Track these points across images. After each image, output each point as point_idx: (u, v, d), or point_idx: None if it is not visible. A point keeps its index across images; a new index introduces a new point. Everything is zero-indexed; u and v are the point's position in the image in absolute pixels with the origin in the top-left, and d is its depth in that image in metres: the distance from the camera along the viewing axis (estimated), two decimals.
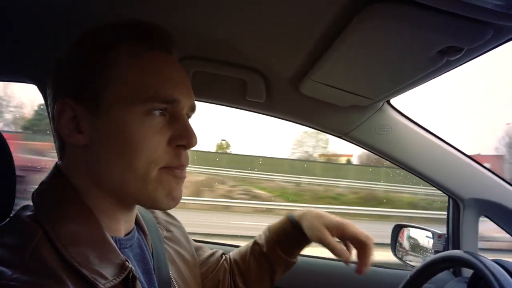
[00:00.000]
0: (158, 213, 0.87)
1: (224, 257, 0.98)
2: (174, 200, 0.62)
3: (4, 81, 1.28)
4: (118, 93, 0.58)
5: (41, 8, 0.89)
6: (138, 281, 0.58)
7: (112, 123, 0.58)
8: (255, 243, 0.97)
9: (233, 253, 1.00)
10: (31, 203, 0.59)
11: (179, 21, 0.88)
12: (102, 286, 0.53)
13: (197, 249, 0.93)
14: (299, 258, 0.97)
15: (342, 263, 0.82)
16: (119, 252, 0.58)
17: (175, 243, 0.84)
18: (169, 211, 0.89)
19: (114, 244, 0.59)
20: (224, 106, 1.25)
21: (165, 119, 0.61)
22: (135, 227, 0.70)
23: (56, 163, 0.64)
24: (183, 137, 0.61)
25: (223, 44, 0.97)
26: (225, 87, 1.14)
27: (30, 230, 0.54)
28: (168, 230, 0.84)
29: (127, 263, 0.58)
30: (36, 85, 1.23)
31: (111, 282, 0.54)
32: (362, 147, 1.22)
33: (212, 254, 0.96)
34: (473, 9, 0.56)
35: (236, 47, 0.97)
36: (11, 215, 0.59)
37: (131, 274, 0.57)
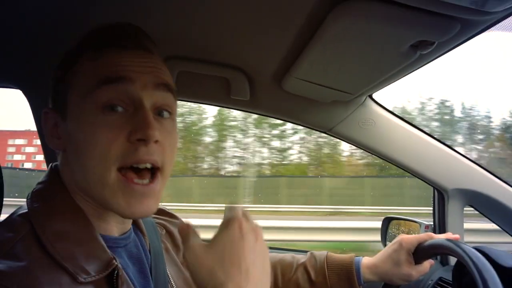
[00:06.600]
0: (157, 212, 0.86)
1: None
2: (134, 215, 0.60)
3: None
4: (75, 93, 0.60)
5: (28, 12, 0.89)
6: (124, 279, 0.59)
7: (72, 125, 0.60)
8: (305, 266, 1.01)
9: None
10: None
11: (161, 22, 0.88)
12: (82, 279, 0.53)
13: None
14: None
15: None
16: (107, 249, 0.59)
17: (175, 242, 0.83)
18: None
19: (103, 242, 0.59)
20: (210, 105, 1.27)
21: (126, 115, 0.58)
22: (132, 226, 0.71)
23: (51, 164, 0.66)
24: (139, 129, 0.56)
25: (205, 44, 0.98)
26: (210, 86, 1.15)
27: (17, 225, 0.55)
28: (167, 230, 0.83)
29: (114, 261, 0.58)
30: (21, 90, 1.23)
31: (93, 277, 0.54)
32: (347, 142, 1.24)
33: None
34: (439, 4, 0.58)
35: (218, 46, 0.98)
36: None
37: (116, 271, 0.57)
